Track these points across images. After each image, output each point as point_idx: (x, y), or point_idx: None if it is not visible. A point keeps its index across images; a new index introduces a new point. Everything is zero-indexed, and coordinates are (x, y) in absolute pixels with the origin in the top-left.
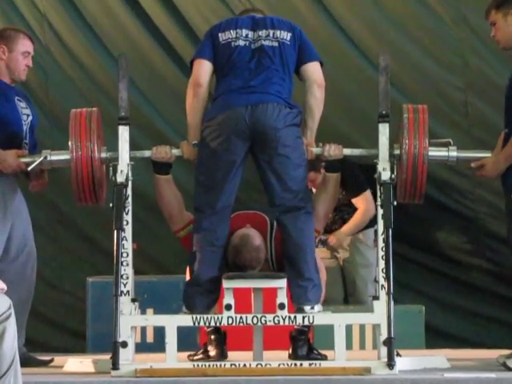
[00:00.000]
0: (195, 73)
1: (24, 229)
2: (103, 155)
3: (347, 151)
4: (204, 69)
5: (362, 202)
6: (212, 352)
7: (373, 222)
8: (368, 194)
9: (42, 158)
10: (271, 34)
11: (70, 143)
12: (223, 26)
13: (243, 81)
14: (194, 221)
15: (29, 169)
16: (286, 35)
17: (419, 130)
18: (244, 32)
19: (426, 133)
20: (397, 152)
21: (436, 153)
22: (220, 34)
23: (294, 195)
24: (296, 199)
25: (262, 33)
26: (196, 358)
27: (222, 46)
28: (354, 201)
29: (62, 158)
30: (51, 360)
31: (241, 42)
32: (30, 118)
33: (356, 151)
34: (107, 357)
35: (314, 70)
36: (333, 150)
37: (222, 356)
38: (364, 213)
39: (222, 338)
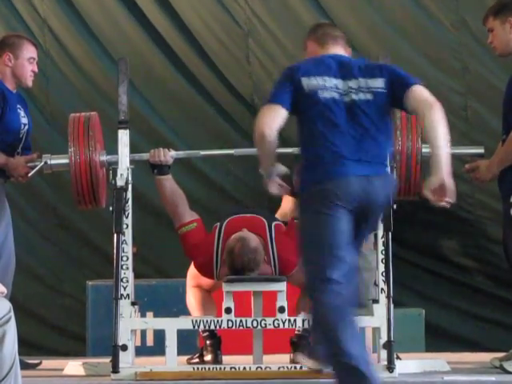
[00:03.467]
0: (262, 119)
1: (6, 234)
2: (102, 159)
3: None
4: (275, 116)
5: None
6: (207, 357)
7: None
8: None
9: (42, 163)
10: (363, 85)
11: (69, 147)
12: (306, 69)
13: (347, 146)
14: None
15: (29, 175)
16: (378, 83)
17: (412, 128)
18: (332, 81)
19: (418, 130)
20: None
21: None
22: (303, 79)
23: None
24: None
25: (353, 84)
26: (192, 361)
27: (308, 95)
28: None
29: (61, 161)
30: (39, 363)
31: (330, 94)
32: (26, 127)
33: None
34: (107, 360)
35: (419, 93)
36: None
37: (216, 361)
38: None
39: (217, 343)
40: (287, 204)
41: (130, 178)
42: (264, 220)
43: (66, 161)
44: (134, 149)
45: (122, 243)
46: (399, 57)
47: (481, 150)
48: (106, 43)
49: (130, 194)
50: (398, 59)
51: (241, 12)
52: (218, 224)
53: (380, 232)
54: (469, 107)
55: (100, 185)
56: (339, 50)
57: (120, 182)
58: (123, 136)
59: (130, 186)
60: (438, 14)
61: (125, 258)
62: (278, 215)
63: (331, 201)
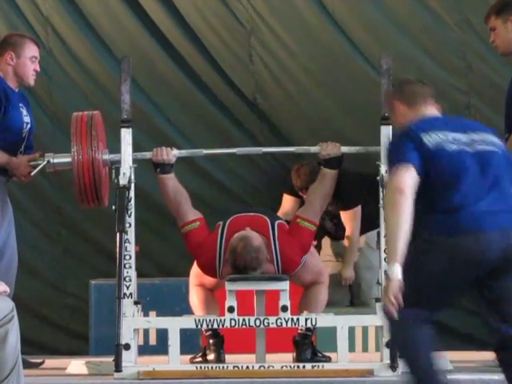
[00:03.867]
0: (398, 178)
1: (8, 233)
2: (105, 157)
3: (345, 149)
4: (410, 175)
5: (350, 219)
6: (210, 356)
7: (376, 224)
8: (358, 210)
9: (45, 163)
10: (484, 138)
11: (71, 146)
12: (421, 126)
13: (482, 198)
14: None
15: (32, 174)
16: (496, 140)
17: None
18: (452, 135)
19: None
20: None
21: None
22: (424, 136)
23: None
24: None
25: (471, 136)
26: (195, 360)
27: (432, 151)
28: (343, 214)
29: (64, 160)
30: (42, 362)
31: (455, 147)
32: (29, 126)
33: (353, 149)
34: (110, 359)
35: None
36: (330, 148)
37: (219, 360)
38: (352, 234)
39: (220, 342)
40: (289, 203)
41: (132, 177)
42: (267, 219)
43: (68, 160)
44: (136, 147)
45: (125, 242)
46: (402, 56)
47: None
48: (108, 42)
49: (132, 193)
50: (401, 58)
51: (243, 10)
52: (221, 223)
53: (383, 231)
54: (472, 106)
55: (103, 184)
56: (430, 109)
57: (123, 181)
58: (126, 135)
59: (132, 185)
60: (442, 13)
61: (127, 257)
62: (279, 214)
63: (461, 258)
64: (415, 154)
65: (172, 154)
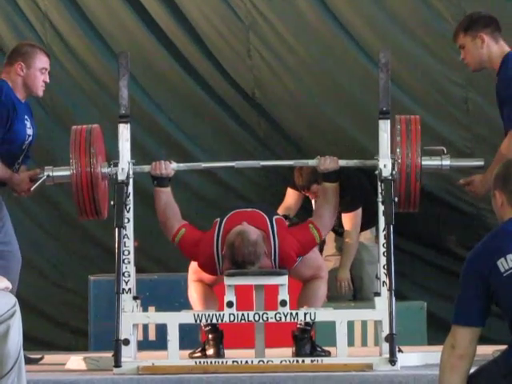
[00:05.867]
0: (458, 340)
1: (5, 231)
2: (104, 171)
3: (342, 162)
4: (471, 336)
5: (350, 221)
6: (209, 351)
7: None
8: (358, 213)
9: (44, 177)
10: None
11: (70, 163)
12: (499, 246)
13: None
14: None
15: (32, 188)
16: None
17: (412, 145)
18: None
19: (418, 146)
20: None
21: (429, 162)
22: (499, 262)
23: None
24: None
25: None
26: (194, 355)
27: (504, 278)
28: (343, 216)
29: (63, 174)
30: (41, 358)
31: None
32: (30, 138)
33: (351, 162)
34: (109, 354)
35: None
36: (328, 163)
37: (218, 355)
38: (350, 236)
39: (219, 337)
40: (292, 198)
41: (131, 173)
42: (264, 215)
43: (67, 173)
44: (135, 144)
45: (124, 237)
46: (400, 49)
47: (481, 163)
48: (107, 37)
49: (131, 188)
50: (398, 52)
51: (241, 5)
52: (218, 219)
53: (381, 225)
54: (469, 100)
55: (101, 198)
56: None
57: (121, 177)
58: (124, 130)
59: (131, 180)
60: (439, 6)
61: (126, 253)
62: (281, 209)
63: None
64: (476, 304)
65: (170, 168)
